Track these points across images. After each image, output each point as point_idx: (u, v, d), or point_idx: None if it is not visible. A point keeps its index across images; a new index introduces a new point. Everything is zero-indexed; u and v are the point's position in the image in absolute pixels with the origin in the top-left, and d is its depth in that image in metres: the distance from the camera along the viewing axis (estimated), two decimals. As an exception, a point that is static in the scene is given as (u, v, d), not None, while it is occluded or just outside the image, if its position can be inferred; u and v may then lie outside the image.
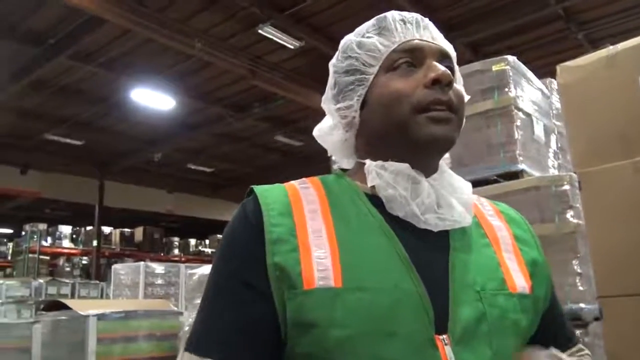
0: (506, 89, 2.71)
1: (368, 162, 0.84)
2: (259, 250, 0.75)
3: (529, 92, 2.91)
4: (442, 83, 0.80)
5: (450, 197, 0.82)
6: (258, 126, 11.64)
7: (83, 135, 11.59)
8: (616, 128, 1.78)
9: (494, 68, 2.76)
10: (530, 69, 2.99)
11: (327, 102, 0.92)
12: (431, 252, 0.78)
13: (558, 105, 3.16)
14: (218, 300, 0.77)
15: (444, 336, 0.72)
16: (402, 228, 0.79)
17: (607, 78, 1.83)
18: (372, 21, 0.88)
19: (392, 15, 0.87)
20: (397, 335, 0.70)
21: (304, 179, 0.88)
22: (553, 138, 3.08)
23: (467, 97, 0.88)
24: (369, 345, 0.69)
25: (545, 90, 3.15)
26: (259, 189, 0.82)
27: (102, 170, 13.88)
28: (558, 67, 1.97)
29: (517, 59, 2.87)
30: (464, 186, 0.86)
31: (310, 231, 0.76)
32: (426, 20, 0.88)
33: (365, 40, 0.85)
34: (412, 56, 0.83)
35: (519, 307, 0.79)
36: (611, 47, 1.84)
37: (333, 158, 0.97)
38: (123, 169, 13.85)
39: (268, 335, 0.74)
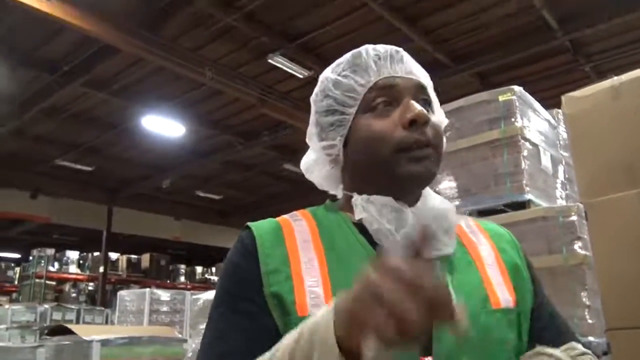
0: (513, 119, 2.72)
1: (355, 195, 0.87)
2: (257, 280, 0.80)
3: (536, 122, 2.92)
4: (419, 123, 0.82)
5: (434, 227, 0.84)
6: (267, 154, 11.71)
7: (93, 161, 11.70)
8: (622, 158, 1.78)
9: (501, 98, 2.78)
10: (537, 100, 3.01)
11: (311, 137, 0.95)
12: None
13: (565, 136, 3.16)
14: (223, 326, 0.81)
15: (428, 358, 0.74)
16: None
17: (613, 108, 1.84)
18: (348, 57, 0.91)
19: (367, 51, 0.89)
20: None
21: (295, 212, 0.92)
22: (560, 169, 3.07)
23: (444, 123, 0.92)
24: None
25: (553, 121, 3.15)
26: (253, 224, 0.87)
27: (111, 196, 13.95)
28: (563, 98, 1.98)
29: (524, 89, 2.89)
30: (447, 209, 0.88)
31: (302, 261, 0.81)
32: (401, 51, 0.90)
33: (342, 80, 0.88)
34: (389, 94, 0.85)
35: (503, 323, 0.81)
36: (616, 77, 1.85)
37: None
38: (132, 195, 13.92)
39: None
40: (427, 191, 0.90)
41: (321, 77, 0.94)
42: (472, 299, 0.80)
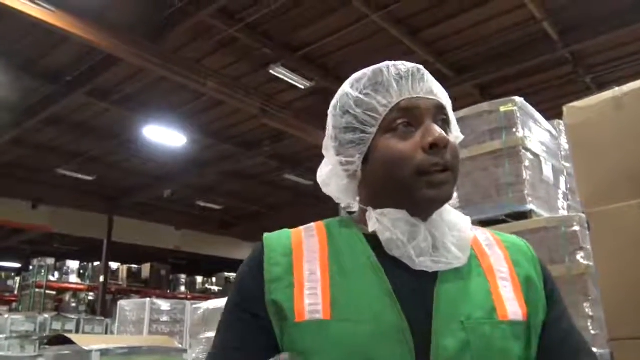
0: (514, 130, 2.72)
1: (370, 209, 0.89)
2: (260, 289, 0.84)
3: (537, 133, 2.93)
4: (439, 147, 0.84)
5: (447, 240, 0.86)
6: (267, 164, 11.73)
7: (94, 171, 11.72)
8: (624, 168, 1.78)
9: (502, 109, 2.78)
10: (538, 111, 3.01)
11: (328, 150, 0.96)
12: (420, 285, 0.82)
13: (567, 146, 3.17)
14: (228, 328, 0.86)
15: None
16: (397, 266, 0.84)
17: (614, 119, 1.84)
18: (368, 74, 0.91)
19: (388, 69, 0.90)
20: None
21: (311, 224, 0.94)
22: (562, 179, 3.07)
23: (460, 139, 0.94)
24: None
25: (554, 132, 3.16)
26: (267, 235, 0.91)
27: (111, 206, 13.95)
28: (565, 108, 1.99)
29: (525, 100, 2.90)
30: (462, 222, 0.89)
31: (306, 271, 0.84)
32: (422, 70, 0.90)
33: (363, 99, 0.88)
34: (410, 116, 0.86)
35: (509, 335, 0.80)
36: (617, 88, 1.86)
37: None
38: (132, 204, 13.93)
39: None
40: (444, 206, 0.90)
41: (340, 92, 0.94)
42: (477, 309, 0.81)
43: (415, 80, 0.88)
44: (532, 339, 0.84)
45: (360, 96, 0.89)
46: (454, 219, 0.89)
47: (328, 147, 0.95)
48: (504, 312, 0.82)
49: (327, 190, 0.98)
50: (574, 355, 0.87)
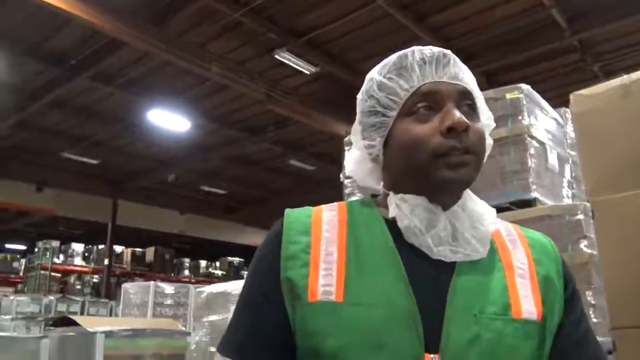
0: (520, 117, 2.71)
1: (391, 194, 0.89)
2: (276, 265, 0.84)
3: (543, 121, 2.91)
4: (457, 130, 0.83)
5: (466, 232, 0.85)
6: (272, 150, 11.72)
7: (99, 155, 11.75)
8: (631, 157, 1.76)
9: (508, 96, 2.77)
10: (545, 99, 2.99)
11: (355, 134, 0.97)
12: (437, 275, 0.82)
13: (573, 134, 3.15)
14: (242, 308, 0.88)
15: (435, 355, 0.76)
16: (414, 254, 0.83)
17: (622, 107, 1.83)
18: (394, 58, 0.91)
19: (413, 53, 0.89)
20: (385, 348, 0.75)
21: (334, 203, 0.95)
22: (567, 167, 3.06)
23: (492, 125, 0.92)
24: (359, 355, 0.75)
25: (560, 120, 3.14)
26: (288, 211, 0.91)
27: (116, 190, 14.00)
28: (572, 96, 1.97)
29: (532, 88, 2.88)
30: (486, 214, 0.88)
31: (323, 251, 0.84)
32: (448, 55, 0.89)
33: (386, 82, 0.89)
34: (430, 100, 0.85)
35: (521, 333, 0.80)
36: (626, 76, 1.84)
37: (345, 182, 1.01)
38: (137, 188, 13.97)
39: (282, 340, 0.82)
40: (469, 194, 0.90)
41: (367, 77, 0.94)
42: (491, 304, 0.81)
43: (439, 65, 0.87)
44: (546, 340, 0.83)
45: (384, 80, 0.89)
46: (478, 210, 0.88)
47: (356, 131, 0.96)
48: (518, 309, 0.81)
49: (354, 174, 0.98)
50: (581, 351, 0.86)
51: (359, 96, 0.95)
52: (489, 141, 0.91)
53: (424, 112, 0.85)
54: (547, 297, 0.85)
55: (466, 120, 0.83)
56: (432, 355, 0.75)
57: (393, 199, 0.88)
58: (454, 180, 0.83)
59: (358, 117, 0.95)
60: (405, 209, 0.85)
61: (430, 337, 0.76)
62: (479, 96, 0.91)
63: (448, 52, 0.89)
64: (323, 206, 0.93)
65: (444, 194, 0.86)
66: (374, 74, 0.92)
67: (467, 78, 0.89)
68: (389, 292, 0.79)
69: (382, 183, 0.95)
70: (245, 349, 0.83)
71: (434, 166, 0.83)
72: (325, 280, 0.81)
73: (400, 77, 0.88)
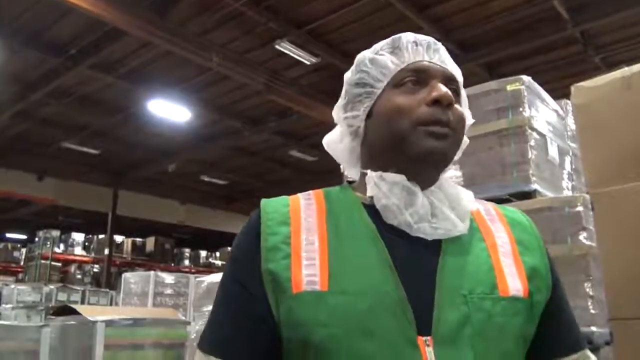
0: (520, 109, 2.71)
1: (369, 172, 0.89)
2: (256, 257, 0.83)
3: (544, 112, 2.91)
4: (443, 103, 0.84)
5: (445, 208, 0.86)
6: (272, 140, 11.71)
7: (99, 145, 11.74)
8: (631, 149, 1.77)
9: (509, 88, 2.76)
10: (546, 91, 2.99)
11: (337, 110, 0.98)
12: (422, 257, 0.82)
13: (573, 126, 3.15)
14: (222, 302, 0.86)
15: (427, 338, 0.75)
16: (396, 236, 0.83)
17: (623, 99, 1.82)
18: (388, 40, 0.94)
19: (407, 36, 0.92)
20: (375, 334, 0.75)
21: (309, 191, 0.93)
22: (567, 159, 3.06)
23: (470, 121, 0.94)
24: (349, 343, 0.75)
25: (561, 112, 3.14)
26: (264, 202, 0.90)
27: (116, 180, 14.01)
28: (573, 88, 1.97)
29: (533, 80, 2.87)
30: (463, 195, 0.89)
31: (304, 240, 0.83)
32: (439, 44, 0.93)
33: (378, 57, 0.91)
34: (418, 76, 0.88)
35: (509, 311, 0.80)
36: (627, 68, 1.84)
37: (345, 173, 1.01)
38: (137, 178, 13.98)
39: (266, 333, 0.81)
40: (445, 179, 0.91)
41: (359, 56, 0.96)
42: (479, 284, 0.81)
43: (430, 49, 0.91)
44: (534, 316, 0.84)
45: (376, 56, 0.92)
46: (454, 192, 0.89)
47: (338, 107, 0.98)
48: (505, 287, 0.82)
49: (331, 150, 0.99)
50: (566, 332, 0.90)
51: (347, 73, 0.97)
52: (465, 138, 0.93)
53: (411, 86, 0.87)
54: (532, 275, 0.86)
55: (451, 95, 0.85)
56: (424, 338, 0.75)
57: (371, 178, 0.88)
58: (435, 150, 0.84)
59: (344, 91, 0.97)
60: (383, 186, 0.85)
61: (421, 320, 0.76)
62: (462, 88, 0.93)
63: (438, 42, 0.93)
64: (299, 195, 0.92)
65: (424, 167, 0.86)
66: (366, 52, 0.95)
67: (453, 67, 0.92)
68: (375, 279, 0.78)
69: (359, 165, 0.95)
70: (229, 345, 0.82)
71: (416, 135, 0.83)
72: (308, 270, 0.80)
73: (393, 54, 0.90)
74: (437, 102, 0.84)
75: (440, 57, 0.91)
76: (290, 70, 8.62)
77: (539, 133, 2.77)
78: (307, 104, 9.07)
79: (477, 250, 0.85)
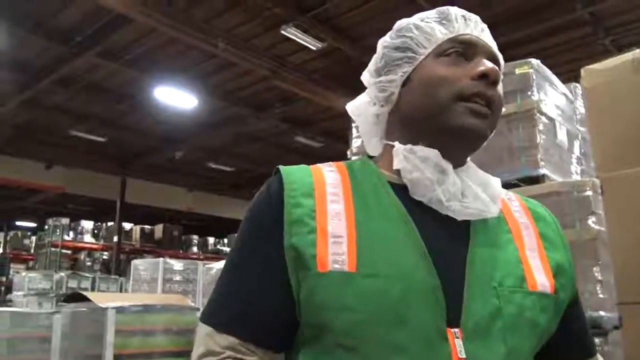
0: (529, 93, 2.68)
1: (397, 144, 0.84)
2: (278, 230, 0.76)
3: (553, 96, 2.88)
4: (489, 79, 0.81)
5: (477, 189, 0.82)
6: (279, 126, 11.69)
7: (106, 132, 11.77)
8: (641, 133, 1.75)
9: (518, 71, 2.73)
10: (555, 74, 2.96)
11: (368, 74, 0.92)
12: (451, 242, 0.78)
13: (582, 110, 3.12)
14: (235, 274, 0.79)
15: (456, 329, 0.71)
16: (424, 216, 0.78)
17: (633, 82, 1.80)
18: (433, 11, 0.89)
19: (455, 9, 0.88)
20: (407, 323, 0.70)
21: (330, 162, 0.88)
22: (576, 144, 3.04)
23: (503, 110, 0.90)
24: (378, 331, 0.70)
25: (570, 95, 3.10)
26: (284, 169, 0.83)
27: (124, 167, 14.07)
28: (582, 70, 1.94)
29: (542, 63, 2.84)
30: (492, 180, 0.86)
31: (330, 214, 0.76)
32: (485, 25, 0.89)
33: (424, 24, 0.86)
34: (465, 49, 0.84)
35: (537, 306, 0.77)
36: (637, 50, 1.81)
37: (353, 159, 0.97)
38: (145, 166, 14.02)
39: (283, 313, 0.75)
40: (472, 164, 0.88)
41: (398, 23, 0.91)
42: (508, 276, 0.77)
43: (478, 25, 0.87)
44: (556, 315, 0.82)
45: (422, 23, 0.86)
46: (483, 177, 0.85)
47: (370, 72, 0.91)
48: (533, 282, 0.79)
49: (356, 117, 0.93)
50: (581, 336, 0.89)
51: (384, 38, 0.91)
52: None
53: (456, 58, 0.83)
54: (558, 272, 0.83)
55: (499, 72, 0.82)
56: (453, 330, 0.71)
57: (399, 150, 0.83)
58: (474, 128, 0.80)
59: (378, 55, 0.90)
60: (414, 160, 0.80)
61: (451, 311, 0.72)
62: (502, 71, 0.90)
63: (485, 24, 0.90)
64: (320, 165, 0.86)
65: (459, 144, 0.82)
66: (410, 19, 0.89)
67: (499, 53, 0.89)
68: (407, 263, 0.73)
69: (383, 138, 0.90)
70: (240, 321, 0.75)
71: (455, 110, 0.79)
72: (336, 248, 0.73)
73: (441, 24, 0.85)
74: (483, 76, 0.80)
75: (487, 35, 0.87)
76: (297, 56, 8.56)
77: (548, 117, 2.74)
78: (313, 90, 9.02)
79: (505, 242, 0.82)
